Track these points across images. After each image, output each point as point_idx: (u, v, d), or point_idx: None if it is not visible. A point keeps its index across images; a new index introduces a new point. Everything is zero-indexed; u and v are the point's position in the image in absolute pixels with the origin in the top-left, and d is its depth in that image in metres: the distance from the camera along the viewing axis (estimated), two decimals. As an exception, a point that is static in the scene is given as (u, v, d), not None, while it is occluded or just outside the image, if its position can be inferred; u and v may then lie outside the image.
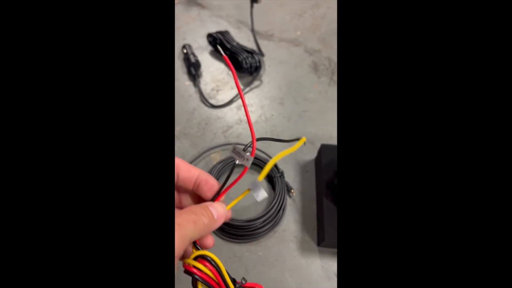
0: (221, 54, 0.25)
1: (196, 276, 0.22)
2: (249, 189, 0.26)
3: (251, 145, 0.25)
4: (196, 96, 0.61)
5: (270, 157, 0.53)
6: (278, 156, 0.25)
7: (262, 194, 0.26)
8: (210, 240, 0.26)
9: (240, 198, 0.27)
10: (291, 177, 0.52)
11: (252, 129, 0.25)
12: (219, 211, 0.24)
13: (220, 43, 0.64)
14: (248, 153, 0.25)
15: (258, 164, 0.52)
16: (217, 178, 0.49)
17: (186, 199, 0.27)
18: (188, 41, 0.67)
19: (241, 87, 0.62)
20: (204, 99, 0.60)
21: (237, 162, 0.25)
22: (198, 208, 0.23)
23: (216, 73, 0.64)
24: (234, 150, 0.26)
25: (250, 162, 0.25)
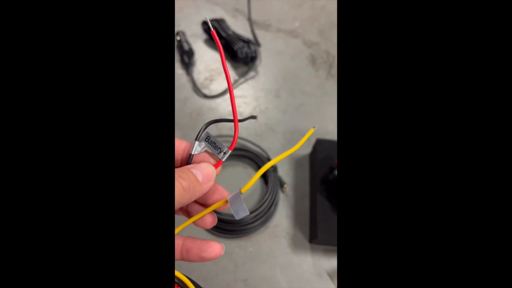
0: (210, 30, 0.21)
1: None
2: (226, 200, 0.21)
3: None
4: (189, 86, 0.59)
5: (259, 146, 0.51)
6: (274, 160, 0.21)
7: (243, 211, 0.20)
8: (208, 219, 0.23)
9: (208, 210, 0.22)
10: (284, 171, 0.51)
11: (235, 118, 0.21)
12: (206, 172, 0.20)
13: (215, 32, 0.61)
14: (226, 147, 0.22)
15: (250, 156, 0.50)
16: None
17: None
18: (182, 28, 0.65)
19: (236, 77, 0.60)
20: (196, 89, 0.58)
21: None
22: (177, 171, 0.19)
23: (210, 62, 0.62)
24: (208, 139, 0.21)
25: (226, 156, 0.22)
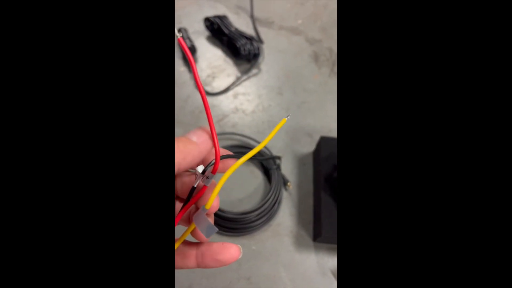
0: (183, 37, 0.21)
1: None
2: (193, 223, 0.20)
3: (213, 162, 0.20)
4: (191, 83, 0.58)
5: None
6: (244, 158, 0.20)
7: (211, 229, 0.19)
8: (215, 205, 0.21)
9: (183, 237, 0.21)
10: (288, 169, 0.50)
11: (215, 140, 0.21)
12: (198, 133, 0.21)
13: (218, 28, 0.61)
14: (208, 170, 0.20)
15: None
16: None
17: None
18: (184, 25, 0.64)
19: (239, 74, 0.60)
20: (199, 86, 0.58)
21: (196, 183, 0.21)
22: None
23: (212, 60, 0.62)
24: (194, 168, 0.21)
25: (210, 181, 0.20)
